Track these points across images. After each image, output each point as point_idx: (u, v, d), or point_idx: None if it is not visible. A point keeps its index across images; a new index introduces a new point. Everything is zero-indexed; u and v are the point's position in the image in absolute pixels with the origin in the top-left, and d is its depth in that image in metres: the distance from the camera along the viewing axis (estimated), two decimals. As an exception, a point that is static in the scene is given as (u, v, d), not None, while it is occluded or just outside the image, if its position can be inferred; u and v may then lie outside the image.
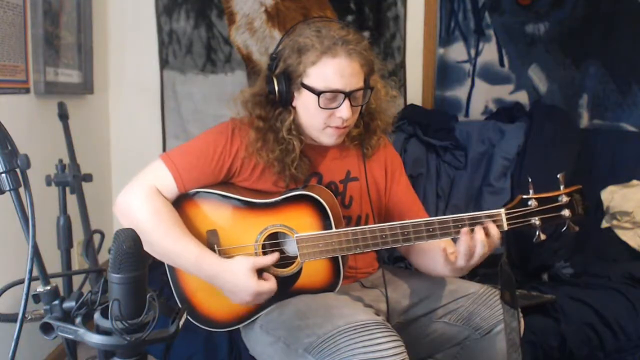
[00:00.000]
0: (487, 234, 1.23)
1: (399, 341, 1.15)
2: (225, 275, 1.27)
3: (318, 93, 1.28)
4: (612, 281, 1.99)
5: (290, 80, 1.32)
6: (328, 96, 1.29)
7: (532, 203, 1.24)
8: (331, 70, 1.28)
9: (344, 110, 1.30)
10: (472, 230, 1.23)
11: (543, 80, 2.65)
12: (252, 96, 1.39)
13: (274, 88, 1.32)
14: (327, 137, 1.36)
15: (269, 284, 1.27)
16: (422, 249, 1.43)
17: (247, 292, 1.26)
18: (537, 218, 1.24)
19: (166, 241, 1.29)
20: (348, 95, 1.29)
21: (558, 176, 1.25)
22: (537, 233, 1.24)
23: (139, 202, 1.31)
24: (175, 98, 2.58)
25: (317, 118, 1.33)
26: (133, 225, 1.27)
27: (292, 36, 1.33)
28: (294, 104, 1.35)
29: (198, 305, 1.39)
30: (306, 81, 1.30)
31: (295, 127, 1.36)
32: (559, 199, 1.24)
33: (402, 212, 1.48)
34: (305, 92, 1.31)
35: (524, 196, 1.25)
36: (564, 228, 1.25)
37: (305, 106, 1.33)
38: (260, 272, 1.29)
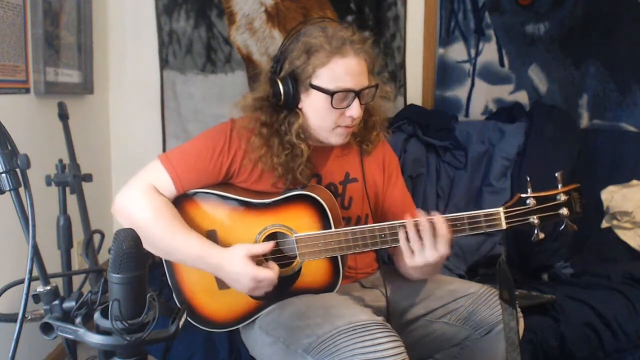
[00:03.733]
0: (435, 232, 1.23)
1: (399, 341, 1.16)
2: (226, 264, 1.28)
3: (331, 93, 1.28)
4: (612, 281, 1.99)
5: (297, 82, 1.31)
6: (340, 96, 1.29)
7: (531, 202, 1.24)
8: (342, 70, 1.28)
9: (355, 109, 1.31)
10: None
11: (543, 80, 2.65)
12: (255, 100, 1.37)
13: (280, 91, 1.31)
14: (337, 137, 1.36)
15: (267, 271, 1.26)
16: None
17: (246, 278, 1.26)
18: (535, 217, 1.24)
19: (168, 237, 1.29)
20: (358, 94, 1.30)
21: (556, 175, 1.25)
22: (536, 232, 1.25)
23: (137, 201, 1.31)
24: (175, 98, 2.58)
25: (327, 119, 1.33)
26: (133, 224, 1.28)
27: (298, 37, 1.32)
28: (299, 106, 1.35)
29: (197, 306, 1.39)
30: (316, 82, 1.30)
31: (303, 131, 1.36)
32: (557, 197, 1.25)
33: (396, 214, 1.48)
34: (314, 93, 1.31)
35: (523, 195, 1.25)
36: (562, 227, 1.26)
37: (315, 108, 1.33)
38: (261, 262, 1.30)
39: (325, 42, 1.28)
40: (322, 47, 1.28)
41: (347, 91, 1.29)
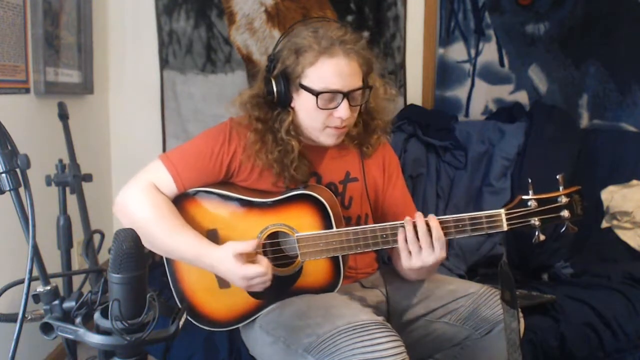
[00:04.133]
0: (430, 234, 1.23)
1: (399, 341, 1.16)
2: (218, 263, 1.27)
3: (316, 94, 1.28)
4: (612, 281, 1.99)
5: (289, 82, 1.32)
6: (326, 97, 1.29)
7: (532, 204, 1.24)
8: (329, 71, 1.28)
9: (343, 110, 1.30)
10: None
11: (543, 80, 2.65)
12: (251, 98, 1.38)
13: (273, 89, 1.32)
14: (327, 138, 1.36)
15: (256, 267, 1.24)
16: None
17: (237, 277, 1.25)
18: (536, 219, 1.24)
19: (167, 235, 1.29)
20: (346, 95, 1.29)
21: (557, 177, 1.25)
22: (537, 233, 1.25)
23: (138, 199, 1.32)
24: (175, 98, 2.58)
25: (316, 119, 1.33)
26: (133, 222, 1.29)
27: (290, 37, 1.33)
28: (292, 105, 1.35)
29: (198, 305, 1.39)
30: (304, 82, 1.30)
31: (294, 128, 1.36)
32: (558, 199, 1.25)
33: (396, 214, 1.48)
34: (303, 93, 1.31)
35: (524, 197, 1.25)
36: (563, 229, 1.26)
37: (304, 107, 1.33)
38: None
39: (314, 42, 1.28)
40: (310, 47, 1.28)
41: (334, 92, 1.29)
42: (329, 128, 1.34)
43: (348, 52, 1.29)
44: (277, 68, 1.33)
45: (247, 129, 1.37)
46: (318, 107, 1.29)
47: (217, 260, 1.27)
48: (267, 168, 1.37)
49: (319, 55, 1.28)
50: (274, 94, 1.33)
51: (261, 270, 1.24)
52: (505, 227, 1.25)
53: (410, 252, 1.25)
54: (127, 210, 1.33)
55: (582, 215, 1.26)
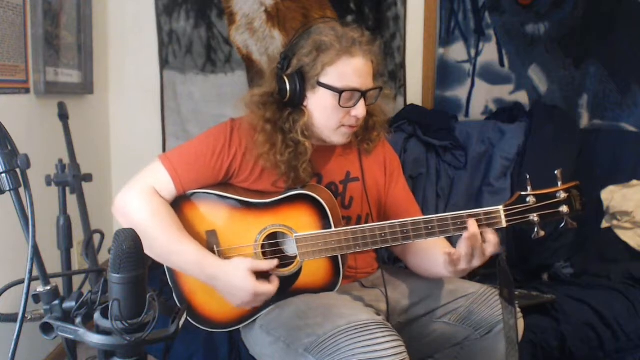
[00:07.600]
0: (484, 239, 1.23)
1: (400, 341, 1.16)
2: (224, 276, 1.27)
3: (340, 91, 1.29)
4: (612, 281, 1.99)
5: (305, 80, 1.32)
6: (346, 95, 1.30)
7: (531, 200, 1.24)
8: (350, 70, 1.29)
9: (360, 109, 1.31)
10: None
11: (543, 80, 2.65)
12: (260, 97, 1.37)
13: (286, 87, 1.32)
14: (340, 137, 1.37)
15: (268, 287, 1.27)
16: (419, 249, 1.43)
17: (245, 293, 1.25)
18: (535, 214, 1.25)
19: (165, 242, 1.29)
20: (364, 94, 1.31)
21: (556, 172, 1.25)
22: (536, 229, 1.25)
23: (137, 203, 1.31)
24: (175, 98, 2.58)
25: (333, 117, 1.33)
26: (132, 225, 1.28)
27: (309, 35, 1.33)
28: (305, 104, 1.35)
29: (198, 306, 1.39)
30: (324, 80, 1.30)
31: (306, 129, 1.36)
32: (557, 195, 1.25)
33: (398, 213, 1.48)
34: (321, 91, 1.31)
35: (522, 193, 1.25)
36: (562, 224, 1.26)
37: (321, 106, 1.33)
38: (260, 274, 1.29)
39: (335, 41, 1.29)
40: (332, 45, 1.28)
41: (354, 91, 1.30)
42: (344, 127, 1.35)
43: (366, 53, 1.31)
44: (291, 66, 1.32)
45: (249, 130, 1.37)
46: (339, 105, 1.30)
47: (224, 273, 1.27)
48: (271, 169, 1.36)
49: (341, 55, 1.29)
50: (286, 93, 1.32)
51: (272, 291, 1.26)
52: (504, 224, 1.25)
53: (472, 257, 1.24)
54: (126, 214, 1.32)
55: (582, 210, 1.26)
